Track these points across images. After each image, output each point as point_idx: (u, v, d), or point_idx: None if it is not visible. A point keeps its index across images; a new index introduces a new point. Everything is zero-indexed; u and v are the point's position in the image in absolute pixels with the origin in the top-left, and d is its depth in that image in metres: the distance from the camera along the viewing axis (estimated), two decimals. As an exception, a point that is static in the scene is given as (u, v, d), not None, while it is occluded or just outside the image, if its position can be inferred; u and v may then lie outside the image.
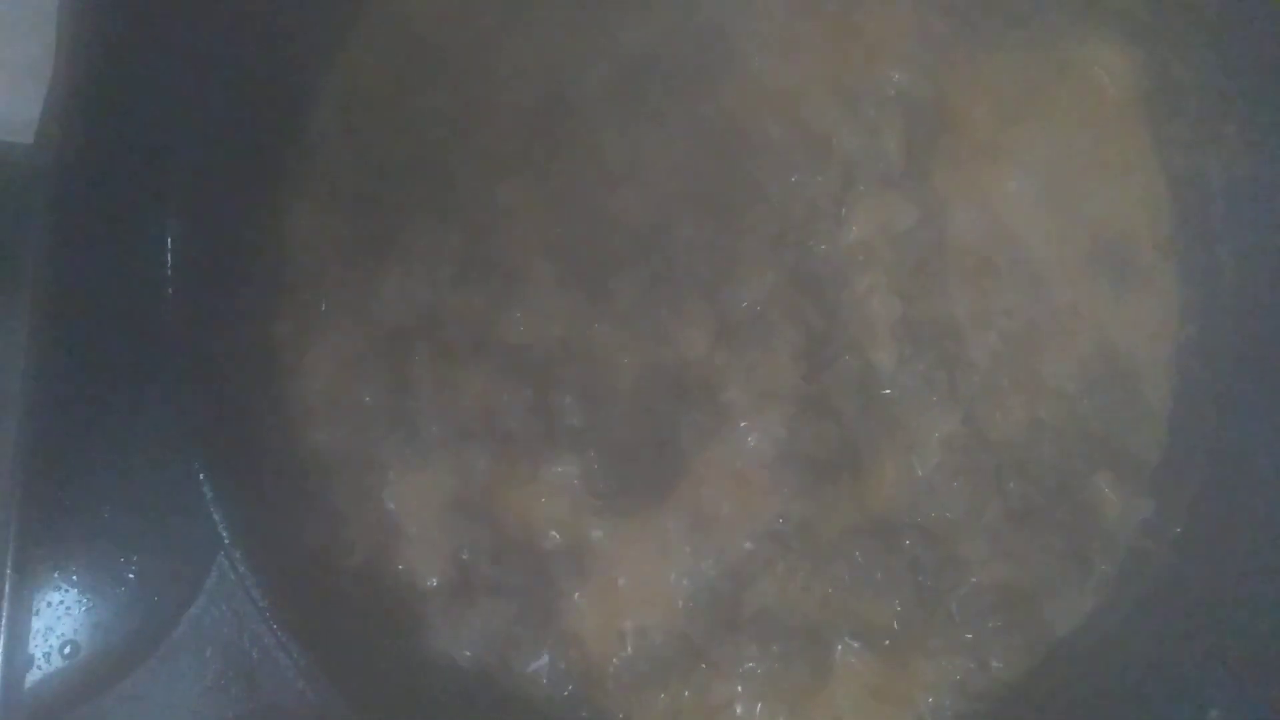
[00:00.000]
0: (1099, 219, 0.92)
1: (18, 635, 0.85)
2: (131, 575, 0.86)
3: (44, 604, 0.86)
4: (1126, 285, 0.92)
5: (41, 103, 0.94)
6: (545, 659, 0.86)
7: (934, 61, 0.92)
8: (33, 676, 0.85)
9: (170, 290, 0.78)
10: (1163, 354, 0.91)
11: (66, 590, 0.86)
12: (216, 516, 0.74)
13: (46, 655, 0.85)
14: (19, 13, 0.97)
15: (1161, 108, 0.92)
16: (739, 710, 0.86)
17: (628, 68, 0.92)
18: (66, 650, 0.85)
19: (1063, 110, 0.93)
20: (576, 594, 0.87)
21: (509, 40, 0.93)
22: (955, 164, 0.92)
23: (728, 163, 0.91)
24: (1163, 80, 0.92)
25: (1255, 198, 0.89)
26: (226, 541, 0.74)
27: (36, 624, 0.85)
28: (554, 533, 0.87)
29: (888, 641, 0.86)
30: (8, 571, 0.86)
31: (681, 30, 0.92)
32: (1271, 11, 0.83)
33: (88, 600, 0.86)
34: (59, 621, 0.85)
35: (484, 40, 0.93)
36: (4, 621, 0.86)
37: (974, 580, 0.87)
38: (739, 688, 0.86)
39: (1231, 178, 0.90)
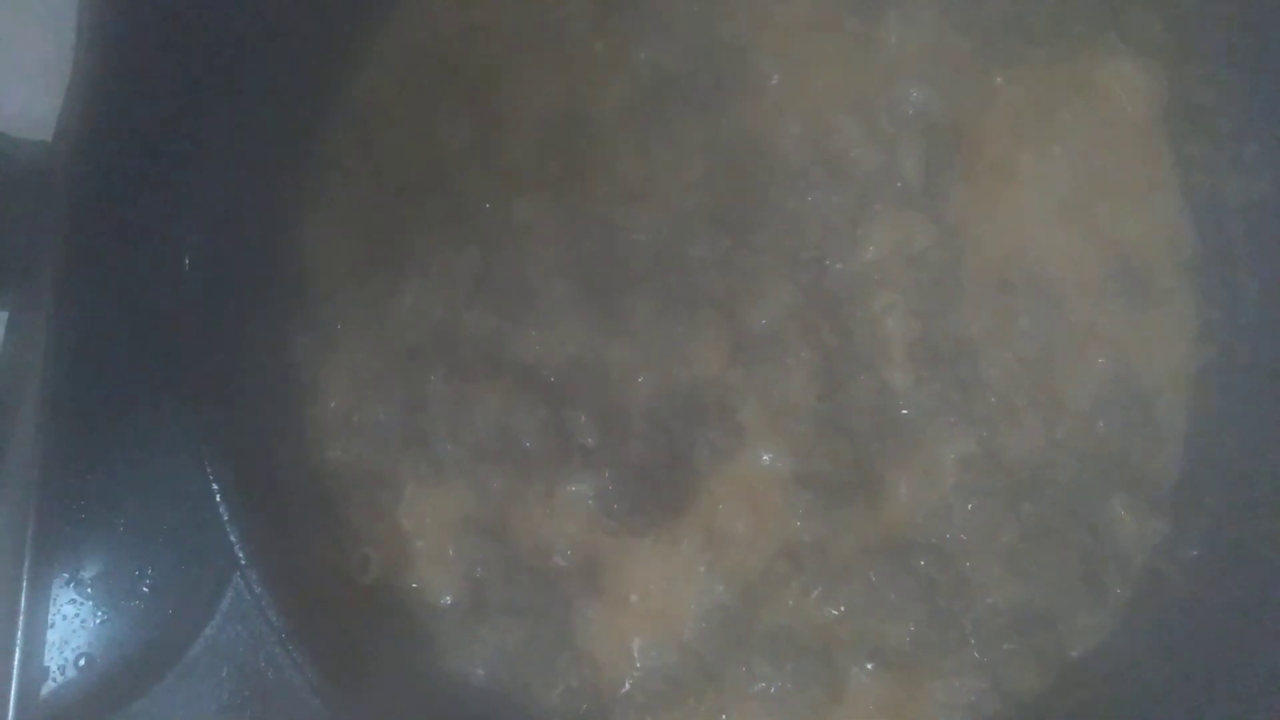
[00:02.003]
0: (1118, 238, 0.91)
1: (33, 647, 0.85)
2: (146, 589, 0.86)
3: (59, 616, 0.86)
4: (1145, 305, 0.91)
5: (61, 100, 0.94)
6: (559, 677, 0.86)
7: (953, 80, 0.92)
8: (48, 688, 0.85)
9: (187, 305, 0.78)
10: (1180, 375, 0.91)
11: (81, 603, 0.86)
12: (233, 536, 0.74)
13: (61, 668, 0.85)
14: (38, 9, 0.98)
15: (1181, 127, 0.92)
16: (752, 730, 0.85)
17: (645, 86, 0.92)
18: (81, 663, 0.85)
19: (1082, 129, 0.92)
20: (590, 613, 0.87)
21: (526, 58, 0.93)
22: (973, 183, 0.92)
23: (744, 181, 0.91)
24: (1183, 99, 0.91)
25: (1276, 218, 0.88)
26: (242, 561, 0.74)
27: (51, 636, 0.85)
28: (568, 551, 0.87)
29: (901, 662, 0.86)
30: (23, 584, 0.86)
31: (700, 48, 0.92)
32: None
33: (102, 614, 0.86)
34: (74, 634, 0.85)
35: (501, 58, 0.93)
36: (20, 633, 0.86)
37: (988, 601, 0.86)
38: (752, 707, 0.85)
39: (1252, 198, 0.89)
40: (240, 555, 0.74)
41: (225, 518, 0.74)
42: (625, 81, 0.92)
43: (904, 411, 0.89)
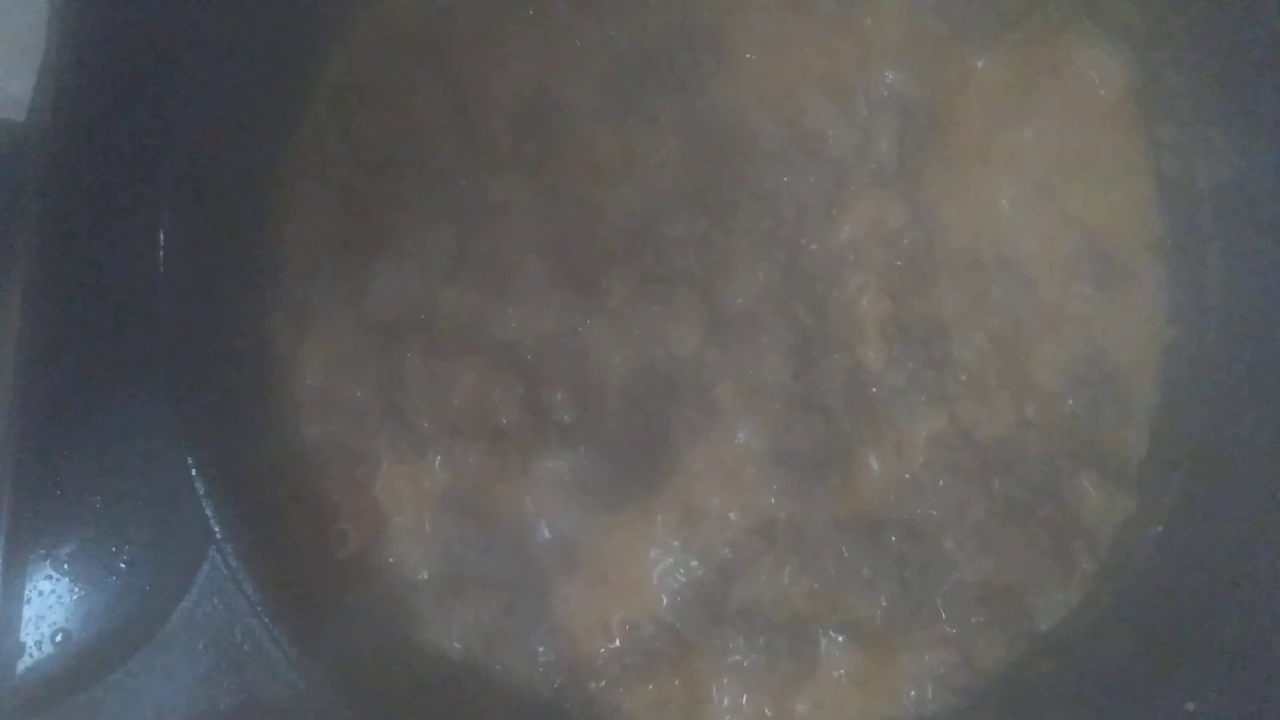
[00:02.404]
0: (1088, 220, 0.93)
1: (9, 622, 0.86)
2: (123, 565, 0.87)
3: (35, 592, 0.86)
4: (1114, 286, 0.92)
5: (34, 80, 0.94)
6: (535, 651, 0.87)
7: (928, 61, 0.92)
8: (24, 664, 0.86)
9: (162, 282, 0.78)
10: (1148, 355, 0.92)
11: (58, 579, 0.86)
12: (209, 510, 0.75)
13: (38, 643, 0.86)
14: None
15: (1152, 111, 0.93)
16: (725, 702, 0.87)
17: (622, 65, 0.92)
18: (58, 639, 0.86)
19: (1054, 111, 0.93)
20: (566, 587, 0.87)
21: (503, 37, 0.92)
22: (946, 164, 0.93)
23: (720, 160, 0.92)
24: (1153, 84, 0.92)
25: (1243, 202, 0.89)
26: (218, 535, 0.75)
27: (28, 612, 0.86)
28: (544, 527, 0.88)
29: (873, 635, 0.87)
30: (-1, 561, 0.87)
31: (676, 28, 0.92)
32: (1259, 20, 0.83)
33: (79, 589, 0.86)
34: (50, 610, 0.86)
35: (478, 37, 0.93)
36: (-4, 609, 0.86)
37: (958, 576, 0.88)
38: (726, 680, 0.87)
39: (1219, 181, 0.90)
40: (216, 529, 0.74)
41: (201, 492, 0.75)
42: (602, 61, 0.92)
43: (877, 390, 0.90)
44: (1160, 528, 0.88)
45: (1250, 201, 0.89)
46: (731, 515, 0.88)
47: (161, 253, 0.78)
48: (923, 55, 0.92)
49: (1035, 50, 0.93)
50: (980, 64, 0.93)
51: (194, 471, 0.75)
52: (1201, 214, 0.92)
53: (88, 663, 0.84)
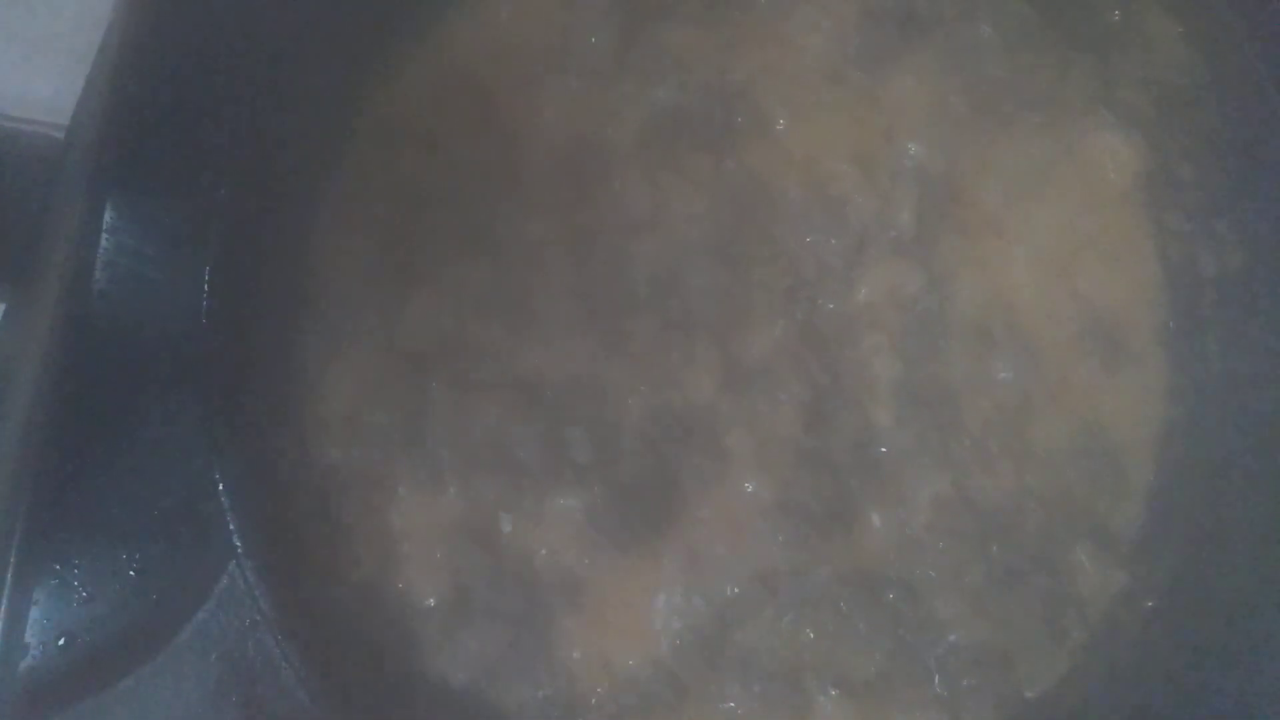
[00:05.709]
0: (1096, 299, 0.95)
1: (15, 623, 0.86)
2: (132, 573, 0.87)
3: (43, 594, 0.86)
4: (1117, 364, 0.94)
5: (78, 93, 0.96)
6: (535, 684, 0.87)
7: (950, 137, 0.95)
8: (26, 664, 0.86)
9: (205, 307, 0.80)
10: (1147, 433, 0.94)
11: (67, 582, 0.87)
12: (232, 524, 0.75)
13: (43, 645, 0.86)
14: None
15: (1161, 198, 0.96)
16: (718, 748, 0.87)
17: (659, 121, 0.95)
18: (61, 642, 0.86)
19: (1068, 192, 0.96)
20: (570, 623, 0.88)
21: (548, 86, 0.95)
22: (963, 236, 0.95)
23: (746, 218, 0.94)
24: (1163, 172, 0.95)
25: (1243, 292, 0.92)
26: (240, 549, 0.75)
27: (34, 614, 0.86)
28: (553, 563, 0.89)
29: (866, 691, 0.88)
30: (11, 559, 0.87)
31: (713, 90, 0.95)
32: (1263, 121, 0.86)
33: (87, 595, 0.87)
34: (57, 613, 0.86)
35: (524, 84, 0.95)
36: (3, 609, 0.86)
37: (952, 638, 0.89)
38: (720, 726, 0.87)
39: (1223, 270, 0.93)
40: (238, 544, 0.75)
41: (227, 505, 0.76)
42: (640, 116, 0.95)
43: (884, 450, 0.92)
44: (1151, 603, 0.90)
45: (1251, 292, 0.91)
46: (735, 562, 0.89)
47: (207, 275, 0.79)
48: (945, 131, 0.95)
49: (1053, 133, 0.96)
50: (1000, 143, 0.96)
51: (220, 485, 0.76)
52: (1204, 301, 0.94)
53: (92, 669, 0.84)
